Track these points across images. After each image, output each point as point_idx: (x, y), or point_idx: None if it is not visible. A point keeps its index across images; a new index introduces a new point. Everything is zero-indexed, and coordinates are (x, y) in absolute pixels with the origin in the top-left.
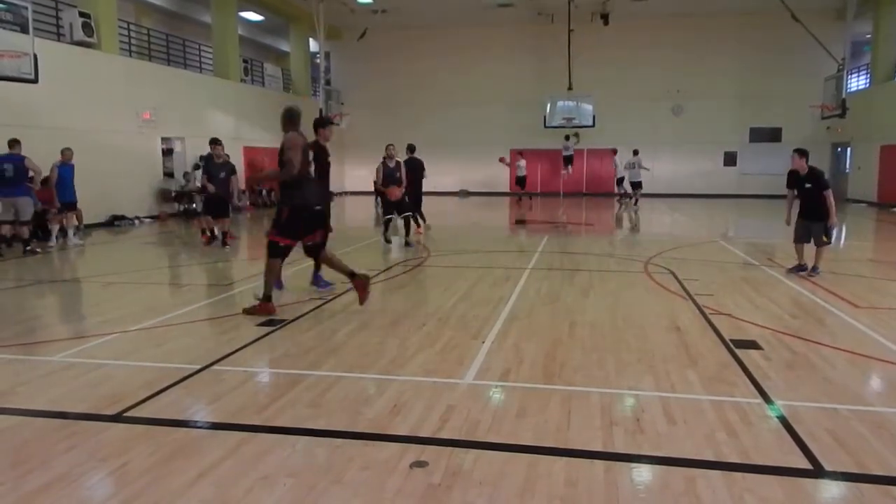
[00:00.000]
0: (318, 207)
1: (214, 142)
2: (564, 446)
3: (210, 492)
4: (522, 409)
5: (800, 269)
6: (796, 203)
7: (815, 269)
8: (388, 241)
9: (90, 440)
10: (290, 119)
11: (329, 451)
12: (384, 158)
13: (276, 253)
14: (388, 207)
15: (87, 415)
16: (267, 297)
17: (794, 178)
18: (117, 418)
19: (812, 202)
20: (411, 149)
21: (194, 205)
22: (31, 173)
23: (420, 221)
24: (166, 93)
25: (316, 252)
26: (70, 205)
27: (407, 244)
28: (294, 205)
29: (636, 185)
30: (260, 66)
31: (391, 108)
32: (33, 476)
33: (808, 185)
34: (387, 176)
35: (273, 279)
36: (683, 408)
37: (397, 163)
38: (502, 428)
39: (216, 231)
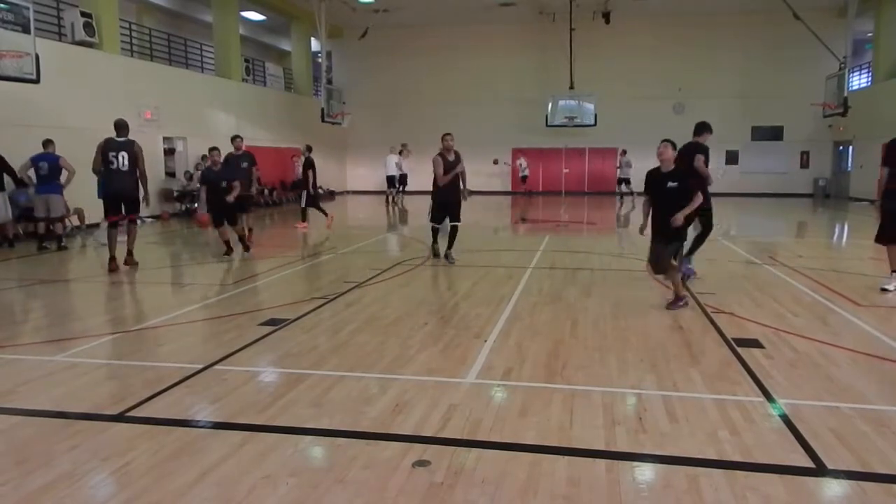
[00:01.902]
0: (118, 193)
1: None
2: (567, 445)
3: (212, 491)
4: (525, 408)
5: (679, 301)
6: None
7: (680, 299)
8: (436, 254)
9: (92, 440)
10: (115, 126)
11: (331, 451)
12: (442, 151)
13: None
14: (439, 213)
15: (90, 414)
16: (111, 254)
17: (652, 179)
18: (119, 418)
19: (676, 210)
20: (309, 149)
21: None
22: (64, 172)
23: (325, 214)
24: (168, 92)
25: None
26: None
27: (446, 258)
28: (104, 193)
29: (624, 182)
30: (261, 66)
31: (393, 107)
32: (36, 475)
33: (671, 185)
34: (447, 171)
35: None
36: (686, 406)
37: (457, 154)
38: (504, 427)
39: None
